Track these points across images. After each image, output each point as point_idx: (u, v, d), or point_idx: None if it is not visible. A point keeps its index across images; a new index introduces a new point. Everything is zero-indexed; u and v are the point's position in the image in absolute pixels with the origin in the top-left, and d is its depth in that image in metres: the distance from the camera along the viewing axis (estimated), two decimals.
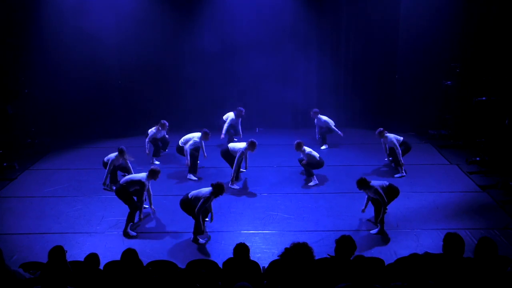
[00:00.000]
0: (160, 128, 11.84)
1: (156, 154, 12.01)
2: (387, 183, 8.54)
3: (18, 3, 12.70)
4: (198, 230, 8.28)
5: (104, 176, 10.35)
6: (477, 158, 11.32)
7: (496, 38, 11.67)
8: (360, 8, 14.04)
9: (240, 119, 12.89)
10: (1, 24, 12.29)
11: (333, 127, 12.73)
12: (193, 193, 8.37)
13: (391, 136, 11.06)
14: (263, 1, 14.07)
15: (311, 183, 10.47)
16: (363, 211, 8.81)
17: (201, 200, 8.13)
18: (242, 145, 10.64)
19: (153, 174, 8.79)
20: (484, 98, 11.52)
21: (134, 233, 8.54)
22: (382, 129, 11.18)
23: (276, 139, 13.59)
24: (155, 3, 13.92)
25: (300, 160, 10.71)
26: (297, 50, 14.36)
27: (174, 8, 14.04)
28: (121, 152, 10.20)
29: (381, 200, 8.29)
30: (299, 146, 10.53)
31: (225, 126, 12.50)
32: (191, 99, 14.45)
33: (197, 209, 8.12)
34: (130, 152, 10.64)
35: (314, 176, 10.53)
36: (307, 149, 10.58)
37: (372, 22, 13.92)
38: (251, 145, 10.49)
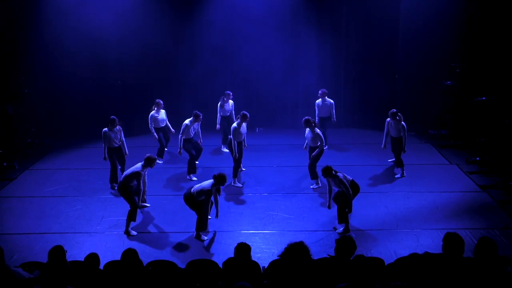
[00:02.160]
0: (156, 108, 11.68)
1: (160, 154, 11.90)
2: (350, 178, 8.56)
3: (18, 3, 12.70)
4: (201, 226, 8.30)
5: (103, 151, 10.14)
6: (477, 158, 11.32)
7: (496, 38, 11.68)
8: (360, 8, 14.04)
9: (232, 102, 12.55)
10: (1, 24, 12.28)
11: (333, 111, 12.49)
12: (196, 187, 8.39)
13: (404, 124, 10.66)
14: (262, 0, 14.07)
15: (313, 186, 10.37)
16: (328, 207, 8.79)
17: (205, 194, 8.16)
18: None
19: (149, 162, 8.69)
20: (484, 98, 11.52)
21: (134, 233, 8.55)
22: (395, 110, 10.76)
23: (276, 139, 13.59)
24: (155, 1, 13.92)
25: (311, 149, 10.38)
26: (296, 50, 14.36)
27: (174, 7, 14.06)
28: (112, 122, 10.06)
29: (346, 190, 8.25)
30: (307, 123, 10.19)
31: (219, 115, 12.34)
32: (191, 98, 14.44)
33: (204, 205, 8.17)
34: (131, 151, 10.65)
35: (318, 179, 10.34)
36: (317, 129, 10.26)
37: (372, 22, 13.93)
38: (243, 117, 10.40)
